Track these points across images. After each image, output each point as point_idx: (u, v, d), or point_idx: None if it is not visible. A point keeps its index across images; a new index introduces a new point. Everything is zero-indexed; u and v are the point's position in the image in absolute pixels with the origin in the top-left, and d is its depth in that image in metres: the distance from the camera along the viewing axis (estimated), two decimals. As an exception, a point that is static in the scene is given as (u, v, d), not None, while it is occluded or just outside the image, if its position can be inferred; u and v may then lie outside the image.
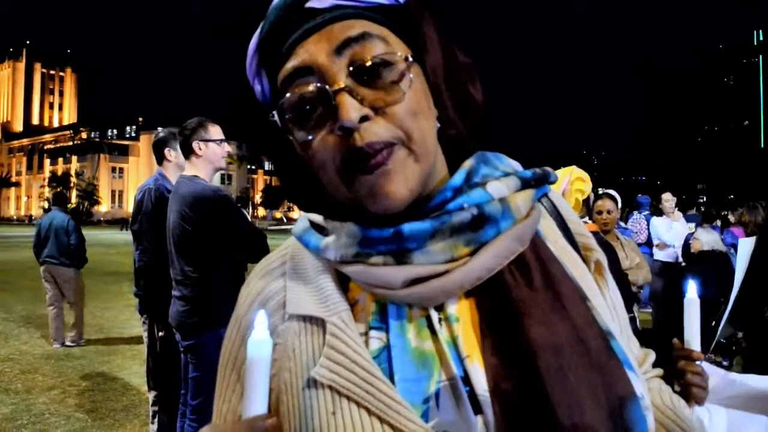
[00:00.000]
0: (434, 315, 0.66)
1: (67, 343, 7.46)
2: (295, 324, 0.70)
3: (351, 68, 0.64)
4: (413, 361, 0.64)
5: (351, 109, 0.62)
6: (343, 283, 0.71)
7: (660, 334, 6.48)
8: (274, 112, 0.67)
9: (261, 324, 0.63)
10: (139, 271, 3.81)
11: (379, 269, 0.66)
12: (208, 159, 3.21)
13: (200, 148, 3.18)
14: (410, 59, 0.66)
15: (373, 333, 0.66)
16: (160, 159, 3.93)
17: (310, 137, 0.65)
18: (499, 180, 0.70)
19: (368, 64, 0.64)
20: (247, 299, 0.78)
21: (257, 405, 0.61)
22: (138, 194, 3.85)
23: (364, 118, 0.62)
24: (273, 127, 0.68)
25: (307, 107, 0.65)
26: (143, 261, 3.74)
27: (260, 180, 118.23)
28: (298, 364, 0.67)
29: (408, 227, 0.65)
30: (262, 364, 0.62)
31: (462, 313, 0.66)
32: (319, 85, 0.64)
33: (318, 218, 0.74)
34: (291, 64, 0.66)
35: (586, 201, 3.55)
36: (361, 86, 0.64)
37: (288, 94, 0.66)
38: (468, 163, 0.72)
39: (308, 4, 0.66)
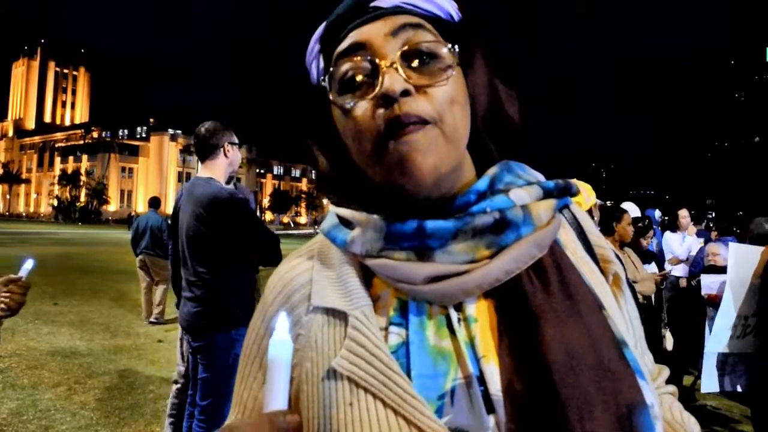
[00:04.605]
0: (454, 315, 0.68)
1: (152, 320, 9.05)
2: (319, 316, 0.72)
3: (402, 50, 0.68)
4: (431, 357, 0.65)
5: (395, 82, 0.66)
6: (367, 279, 0.73)
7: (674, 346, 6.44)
8: (326, 78, 0.72)
9: (282, 326, 0.65)
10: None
11: (402, 264, 0.68)
12: (231, 162, 3.28)
13: (230, 150, 3.25)
14: (456, 53, 0.70)
15: (393, 329, 0.68)
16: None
17: (353, 103, 0.69)
18: (522, 188, 0.72)
19: (418, 49, 0.68)
20: (274, 290, 0.80)
21: (278, 402, 0.64)
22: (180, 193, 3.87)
23: (405, 92, 0.66)
24: (320, 101, 0.75)
25: (356, 77, 0.69)
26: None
27: (269, 184, 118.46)
28: (319, 355, 0.70)
29: (431, 224, 0.67)
30: (283, 364, 0.64)
31: (480, 314, 0.68)
32: (369, 57, 0.69)
33: (346, 212, 0.76)
34: (347, 42, 0.71)
35: (588, 212, 3.58)
36: (408, 68, 0.68)
37: (340, 62, 0.71)
38: (492, 170, 0.75)
39: (373, 4, 0.71)
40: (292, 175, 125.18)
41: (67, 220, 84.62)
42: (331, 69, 0.71)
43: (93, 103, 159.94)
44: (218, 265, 3.04)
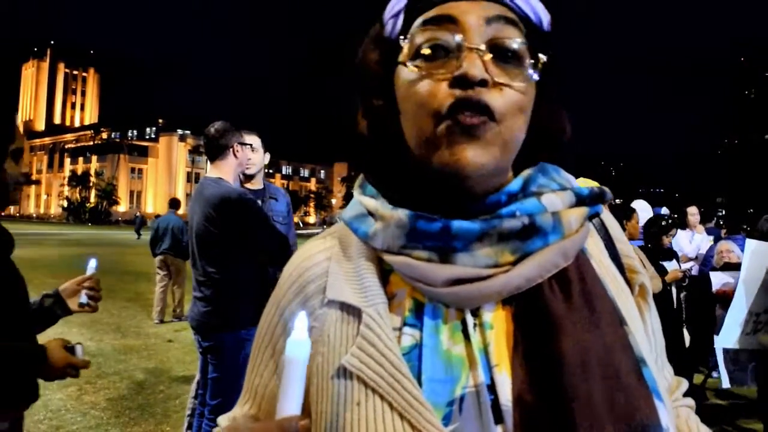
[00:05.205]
0: (470, 320, 0.66)
1: (167, 319, 9.24)
2: (333, 310, 0.71)
3: (491, 41, 0.66)
4: (443, 362, 0.64)
5: (476, 68, 0.64)
6: (384, 276, 0.72)
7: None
8: (405, 37, 0.70)
9: (301, 325, 0.63)
10: None
11: (422, 264, 0.66)
12: (241, 162, 3.29)
13: (239, 150, 3.26)
14: (542, 63, 0.68)
15: (406, 330, 0.67)
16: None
17: (425, 72, 0.67)
18: (555, 193, 0.71)
19: (507, 46, 0.66)
20: (289, 279, 0.78)
21: (291, 405, 0.62)
22: None
23: (483, 82, 0.64)
24: (386, 59, 0.73)
25: (437, 48, 0.67)
26: None
27: (277, 184, 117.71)
28: (331, 350, 0.69)
29: (457, 224, 0.65)
30: (300, 365, 0.62)
31: (497, 321, 0.66)
32: (458, 35, 0.66)
33: (371, 203, 0.74)
34: (440, 10, 0.68)
35: None
36: (491, 60, 0.66)
37: (424, 28, 0.68)
38: (527, 172, 0.73)
39: None
40: (301, 175, 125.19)
41: (77, 221, 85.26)
42: (413, 31, 0.69)
43: (102, 104, 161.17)
44: (227, 265, 3.04)
